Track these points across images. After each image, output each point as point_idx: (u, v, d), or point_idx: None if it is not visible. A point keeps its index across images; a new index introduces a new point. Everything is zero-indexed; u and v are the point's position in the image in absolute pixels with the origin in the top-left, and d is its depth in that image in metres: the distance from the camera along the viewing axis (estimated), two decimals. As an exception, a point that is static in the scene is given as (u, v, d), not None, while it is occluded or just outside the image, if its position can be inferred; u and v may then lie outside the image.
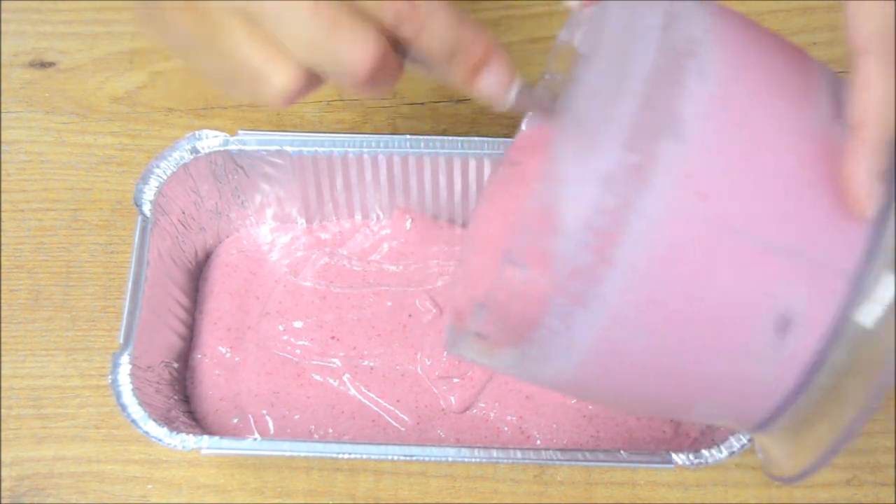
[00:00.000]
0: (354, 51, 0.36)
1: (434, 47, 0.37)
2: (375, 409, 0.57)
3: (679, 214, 0.35)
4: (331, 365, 0.58)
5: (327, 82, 0.39)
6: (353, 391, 0.58)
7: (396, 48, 0.38)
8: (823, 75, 0.39)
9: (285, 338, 0.59)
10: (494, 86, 0.38)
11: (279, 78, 0.38)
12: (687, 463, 0.50)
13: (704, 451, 0.51)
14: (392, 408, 0.57)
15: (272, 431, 0.57)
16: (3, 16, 0.67)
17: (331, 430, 0.57)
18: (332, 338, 0.59)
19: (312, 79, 0.38)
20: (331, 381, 0.58)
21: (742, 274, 0.36)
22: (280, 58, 0.37)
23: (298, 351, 0.58)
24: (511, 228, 0.37)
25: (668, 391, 0.39)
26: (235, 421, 0.57)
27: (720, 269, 0.36)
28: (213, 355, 0.58)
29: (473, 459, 0.51)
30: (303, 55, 0.37)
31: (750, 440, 0.50)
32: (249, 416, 0.57)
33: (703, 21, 0.37)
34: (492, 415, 0.57)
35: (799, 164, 0.36)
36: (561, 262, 0.35)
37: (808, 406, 0.38)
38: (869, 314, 0.36)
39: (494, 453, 0.51)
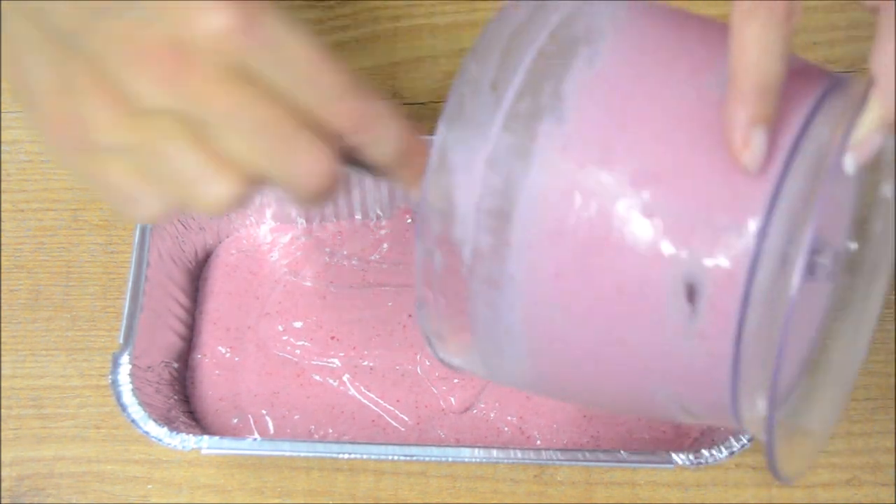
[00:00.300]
0: (307, 164, 0.35)
1: (384, 156, 0.37)
2: (375, 409, 0.57)
3: (559, 186, 0.35)
4: (330, 365, 0.58)
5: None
6: (352, 391, 0.58)
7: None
8: None
9: (285, 338, 0.59)
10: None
11: (219, 188, 0.35)
12: (687, 463, 0.50)
13: (704, 451, 0.51)
14: (392, 408, 0.57)
15: (272, 432, 0.57)
16: (3, 16, 0.67)
17: (331, 430, 0.57)
18: (332, 338, 0.59)
19: (254, 189, 0.36)
20: (330, 381, 0.58)
21: (628, 239, 0.35)
22: (222, 167, 0.35)
23: (298, 351, 0.58)
24: (418, 222, 0.37)
25: (614, 378, 0.38)
26: (235, 421, 0.57)
27: (605, 235, 0.35)
28: (213, 355, 0.59)
29: (473, 459, 0.51)
30: (249, 167, 0.35)
31: (750, 440, 0.50)
32: (249, 416, 0.57)
33: (609, 12, 0.37)
34: (492, 415, 0.57)
35: (685, 127, 0.35)
36: (464, 247, 0.36)
37: (758, 378, 0.36)
38: (770, 271, 0.34)
39: (494, 453, 0.51)
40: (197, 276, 0.61)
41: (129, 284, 0.53)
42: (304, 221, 0.61)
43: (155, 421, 0.51)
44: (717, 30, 0.38)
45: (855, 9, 0.65)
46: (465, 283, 0.37)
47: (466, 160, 0.36)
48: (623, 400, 0.40)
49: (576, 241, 0.35)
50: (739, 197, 0.34)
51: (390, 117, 0.37)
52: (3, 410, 0.58)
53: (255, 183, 0.36)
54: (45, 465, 0.57)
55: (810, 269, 0.39)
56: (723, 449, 0.51)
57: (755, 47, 0.34)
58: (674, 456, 0.50)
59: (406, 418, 0.57)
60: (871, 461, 0.56)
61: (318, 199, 0.36)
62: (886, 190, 0.47)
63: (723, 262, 0.34)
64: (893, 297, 0.59)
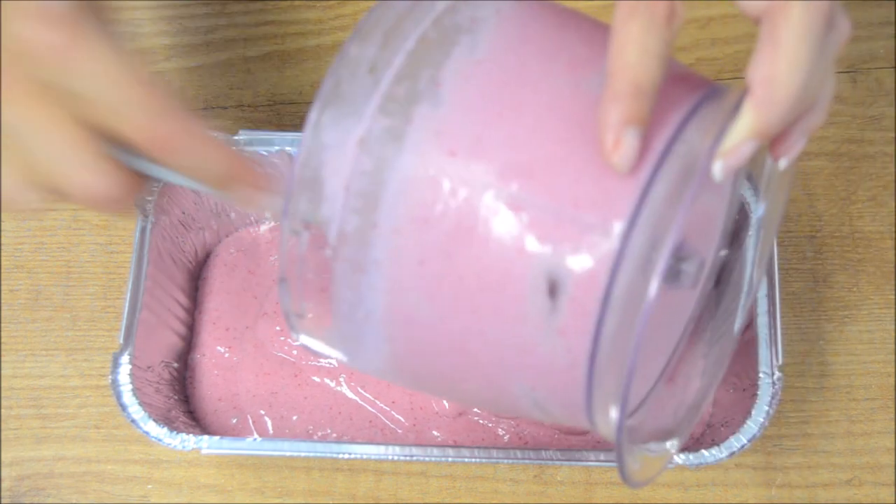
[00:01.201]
0: (97, 189, 0.37)
1: (204, 179, 0.38)
2: (372, 410, 0.57)
3: (430, 172, 0.35)
4: (328, 366, 0.58)
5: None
6: (349, 392, 0.57)
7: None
8: None
9: (283, 338, 0.59)
10: (267, 208, 0.40)
11: (11, 197, 0.38)
12: (687, 463, 0.50)
13: (704, 451, 0.51)
14: (388, 409, 0.57)
15: (271, 432, 0.57)
16: (3, 16, 0.67)
17: (329, 431, 0.57)
18: None
19: (48, 198, 0.39)
20: (328, 381, 0.58)
21: (494, 230, 0.35)
22: (15, 177, 0.38)
23: (295, 352, 0.58)
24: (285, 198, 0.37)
25: (473, 370, 0.38)
26: (234, 421, 0.57)
27: (472, 225, 0.35)
28: (212, 355, 0.59)
29: (473, 460, 0.51)
30: (47, 181, 0.37)
31: (750, 440, 0.50)
32: (248, 416, 0.57)
33: (494, 4, 0.37)
34: (489, 424, 0.57)
35: (560, 123, 0.35)
36: (330, 227, 0.36)
37: (614, 380, 0.35)
38: (631, 272, 0.34)
39: (494, 453, 0.51)
40: (197, 275, 0.61)
41: (129, 284, 0.53)
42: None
43: (155, 421, 0.51)
44: (602, 31, 0.37)
45: (855, 9, 0.65)
46: (329, 265, 0.36)
47: (339, 139, 0.36)
48: (480, 393, 0.39)
49: (442, 229, 0.35)
50: (607, 197, 0.34)
51: (206, 142, 0.37)
52: (3, 410, 0.58)
53: (53, 195, 0.38)
54: (45, 465, 0.57)
55: (674, 276, 0.39)
56: (723, 449, 0.51)
57: (633, 48, 0.34)
58: (674, 456, 0.50)
59: (402, 419, 0.57)
60: (871, 461, 0.56)
61: (113, 213, 0.39)
62: (758, 207, 0.47)
63: (586, 260, 0.34)
64: (893, 297, 0.59)
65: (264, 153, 0.57)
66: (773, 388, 0.51)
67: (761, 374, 0.51)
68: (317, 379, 0.58)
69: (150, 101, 0.36)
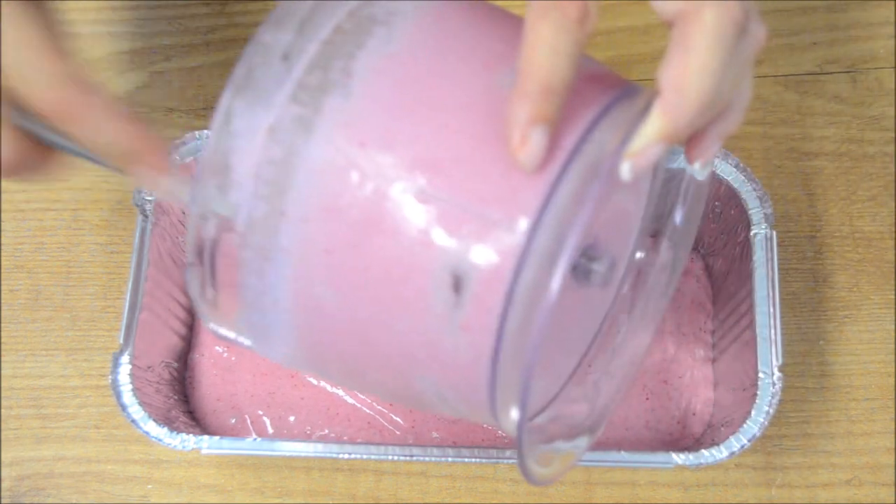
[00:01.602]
0: None
1: (103, 151, 0.38)
2: (369, 411, 0.57)
3: (338, 162, 0.35)
4: None
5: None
6: (345, 394, 0.57)
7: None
8: None
9: None
10: (171, 193, 0.39)
11: None
12: (687, 463, 0.50)
13: (704, 451, 0.51)
14: (386, 410, 0.57)
15: (270, 432, 0.57)
16: (2, 16, 0.67)
17: (327, 431, 0.57)
18: None
19: None
20: (324, 383, 0.58)
21: (399, 222, 0.35)
22: None
23: None
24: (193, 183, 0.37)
25: (377, 362, 0.38)
26: (233, 421, 0.57)
27: (378, 217, 0.35)
28: (211, 354, 0.58)
29: (473, 460, 0.51)
30: None
31: (750, 440, 0.50)
32: (246, 416, 0.57)
33: None
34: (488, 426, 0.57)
35: (470, 119, 0.35)
36: (239, 214, 0.36)
37: (513, 378, 0.36)
38: (533, 270, 0.34)
39: (494, 453, 0.51)
40: (197, 276, 0.61)
41: (129, 284, 0.53)
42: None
43: (155, 421, 0.51)
44: (514, 25, 0.37)
45: (855, 9, 0.65)
46: (237, 251, 0.37)
47: (249, 126, 0.36)
48: (385, 385, 0.39)
49: (349, 220, 0.35)
50: (513, 193, 0.34)
51: (109, 115, 0.37)
52: (3, 410, 0.58)
53: None
54: (45, 465, 0.57)
55: (583, 274, 0.39)
56: (723, 449, 0.51)
57: (544, 47, 0.34)
58: (674, 456, 0.50)
59: (401, 421, 0.57)
60: (871, 461, 0.56)
61: (15, 177, 0.39)
62: (676, 214, 0.47)
63: (490, 256, 0.34)
64: (893, 297, 0.59)
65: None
66: (773, 388, 0.51)
67: (761, 374, 0.51)
68: (314, 381, 0.58)
69: (55, 68, 0.36)
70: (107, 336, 0.59)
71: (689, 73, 0.34)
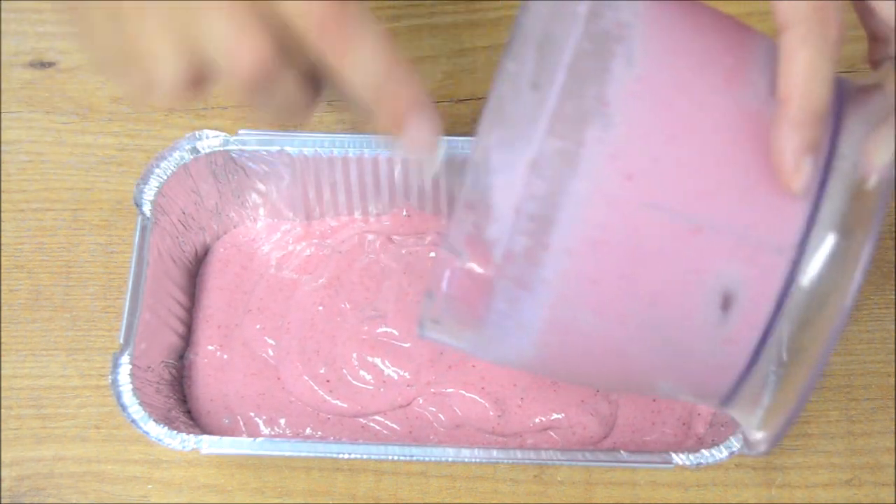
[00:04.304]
0: (236, 48, 0.35)
1: (357, 80, 0.36)
2: (363, 420, 0.57)
3: (607, 196, 0.36)
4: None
5: (218, 83, 0.38)
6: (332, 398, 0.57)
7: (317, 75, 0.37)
8: (763, 50, 0.39)
9: (265, 337, 0.58)
10: (420, 142, 0.37)
11: (167, 66, 0.37)
12: (687, 463, 0.50)
13: (704, 451, 0.51)
14: (381, 418, 0.56)
15: (264, 432, 0.56)
16: (2, 16, 0.67)
17: (319, 434, 0.56)
18: None
19: (199, 75, 0.37)
20: (311, 382, 0.57)
21: (672, 252, 0.36)
22: (173, 45, 0.36)
23: (271, 351, 0.58)
24: (450, 219, 0.38)
25: (624, 369, 0.39)
26: (226, 422, 0.57)
27: (650, 247, 0.36)
28: (205, 354, 0.58)
29: (473, 459, 0.51)
30: (186, 40, 0.36)
31: (750, 440, 0.51)
32: (238, 417, 0.57)
33: (632, 5, 0.37)
34: (488, 435, 0.56)
35: (729, 141, 0.36)
36: (497, 248, 0.36)
37: (762, 379, 0.38)
38: (807, 290, 0.36)
39: (494, 453, 0.51)
40: (196, 275, 0.61)
41: (129, 284, 0.53)
42: (303, 221, 0.61)
43: (155, 421, 0.51)
44: (733, 27, 0.38)
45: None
46: (489, 281, 0.37)
47: (508, 161, 0.36)
48: (615, 384, 0.42)
49: (619, 251, 0.36)
50: (781, 216, 0.36)
51: (370, 35, 0.35)
52: (3, 410, 0.58)
53: (197, 68, 0.37)
54: (45, 465, 0.57)
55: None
56: (723, 449, 0.51)
57: (808, 74, 0.35)
58: (674, 456, 0.50)
59: (397, 427, 0.56)
60: (871, 461, 0.56)
61: (259, 95, 0.37)
62: None
63: (761, 277, 0.36)
64: (893, 297, 0.59)
65: (264, 153, 0.57)
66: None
67: (761, 374, 0.51)
68: (308, 379, 0.57)
69: None
70: (107, 336, 0.59)
71: None
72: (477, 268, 0.37)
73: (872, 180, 0.35)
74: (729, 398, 0.40)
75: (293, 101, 0.38)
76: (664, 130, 0.36)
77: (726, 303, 0.36)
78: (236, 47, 0.35)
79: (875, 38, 0.42)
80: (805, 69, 0.35)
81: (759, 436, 0.40)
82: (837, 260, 0.35)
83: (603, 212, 0.36)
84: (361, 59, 0.36)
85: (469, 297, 0.38)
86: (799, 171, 0.35)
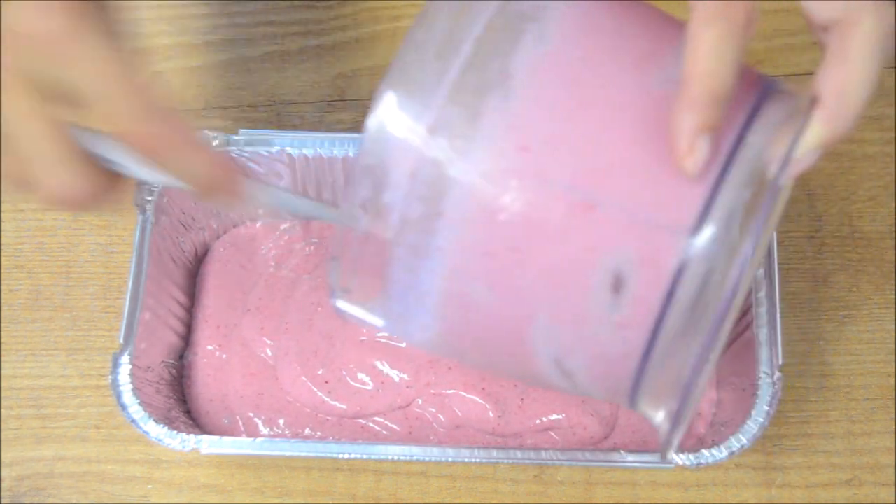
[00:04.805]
0: (59, 187, 0.37)
1: (189, 182, 0.39)
2: (362, 421, 0.57)
3: (501, 166, 0.35)
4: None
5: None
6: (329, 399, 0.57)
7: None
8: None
9: (264, 337, 0.58)
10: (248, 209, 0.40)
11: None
12: (687, 463, 0.50)
13: (704, 451, 0.50)
14: (381, 418, 0.57)
15: (263, 432, 0.56)
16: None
17: (318, 434, 0.56)
18: None
19: (19, 190, 0.39)
20: (309, 382, 0.57)
21: (565, 228, 0.35)
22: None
23: (269, 352, 0.58)
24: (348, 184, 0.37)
25: (526, 353, 0.39)
26: (226, 422, 0.57)
27: (542, 221, 0.35)
28: (205, 354, 0.58)
29: (473, 460, 0.51)
30: (10, 164, 0.38)
31: (750, 440, 0.50)
32: (238, 417, 0.57)
33: None
34: (488, 436, 0.56)
35: (631, 121, 0.35)
36: (394, 213, 0.36)
37: (663, 369, 0.37)
38: (698, 273, 0.35)
39: (494, 453, 0.51)
40: (196, 274, 0.61)
41: (129, 284, 0.53)
42: (303, 221, 0.61)
43: (155, 421, 0.51)
44: (660, 19, 0.38)
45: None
46: (387, 248, 0.37)
47: (407, 126, 0.36)
48: (517, 369, 0.40)
49: (511, 223, 0.35)
50: (676, 198, 0.35)
51: (192, 147, 0.38)
52: (3, 410, 0.58)
53: (23, 189, 0.38)
54: (45, 465, 0.57)
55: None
56: (723, 449, 0.51)
57: (711, 56, 0.34)
58: (674, 456, 0.50)
59: (397, 427, 0.56)
60: (871, 461, 0.56)
61: (78, 213, 0.39)
62: None
63: (653, 259, 0.35)
64: (893, 297, 0.59)
65: (264, 153, 0.57)
66: (773, 388, 0.51)
67: (761, 375, 0.51)
68: (306, 379, 0.57)
69: (139, 100, 0.36)
70: (107, 336, 0.59)
71: (850, 82, 0.34)
72: (374, 232, 0.37)
73: (770, 172, 0.35)
74: (634, 392, 0.38)
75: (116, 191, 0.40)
76: (565, 105, 0.35)
77: (617, 283, 0.35)
78: (57, 184, 0.37)
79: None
80: (707, 50, 0.34)
81: (664, 435, 0.39)
82: (724, 247, 0.34)
83: (497, 182, 0.35)
84: (190, 172, 0.38)
85: (370, 263, 0.38)
86: (693, 152, 0.34)
